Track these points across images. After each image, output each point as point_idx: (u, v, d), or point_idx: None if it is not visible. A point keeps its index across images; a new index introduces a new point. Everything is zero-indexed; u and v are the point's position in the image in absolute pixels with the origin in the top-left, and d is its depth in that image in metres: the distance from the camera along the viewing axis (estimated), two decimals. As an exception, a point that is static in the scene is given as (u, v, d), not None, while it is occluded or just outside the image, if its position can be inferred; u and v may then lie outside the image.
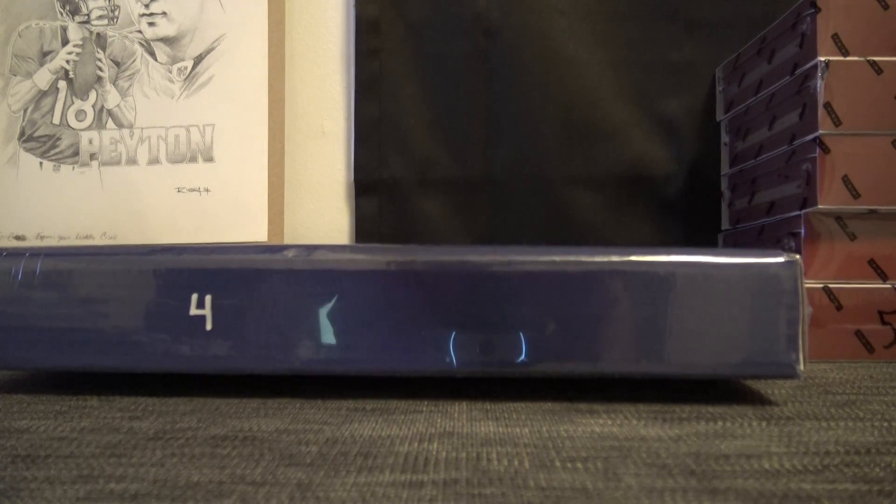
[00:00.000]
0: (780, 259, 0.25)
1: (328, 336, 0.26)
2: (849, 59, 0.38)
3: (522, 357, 0.25)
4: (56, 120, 0.57)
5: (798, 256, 0.25)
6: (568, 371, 0.26)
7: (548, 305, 0.25)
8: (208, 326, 0.26)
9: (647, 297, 0.25)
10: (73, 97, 0.58)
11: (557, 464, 0.19)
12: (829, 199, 0.38)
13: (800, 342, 0.25)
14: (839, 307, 0.38)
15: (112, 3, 0.58)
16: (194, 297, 0.27)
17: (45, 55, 0.58)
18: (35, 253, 0.28)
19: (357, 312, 0.26)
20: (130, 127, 0.57)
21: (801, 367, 0.25)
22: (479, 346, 0.26)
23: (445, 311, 0.26)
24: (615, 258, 0.25)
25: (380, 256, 0.26)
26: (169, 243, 0.29)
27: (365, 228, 0.58)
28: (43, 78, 0.58)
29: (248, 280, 0.26)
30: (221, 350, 0.26)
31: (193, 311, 0.26)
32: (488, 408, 0.26)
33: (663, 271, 0.25)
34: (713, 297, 0.25)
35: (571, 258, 0.26)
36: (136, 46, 0.58)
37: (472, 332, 0.26)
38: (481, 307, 0.26)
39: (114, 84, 0.57)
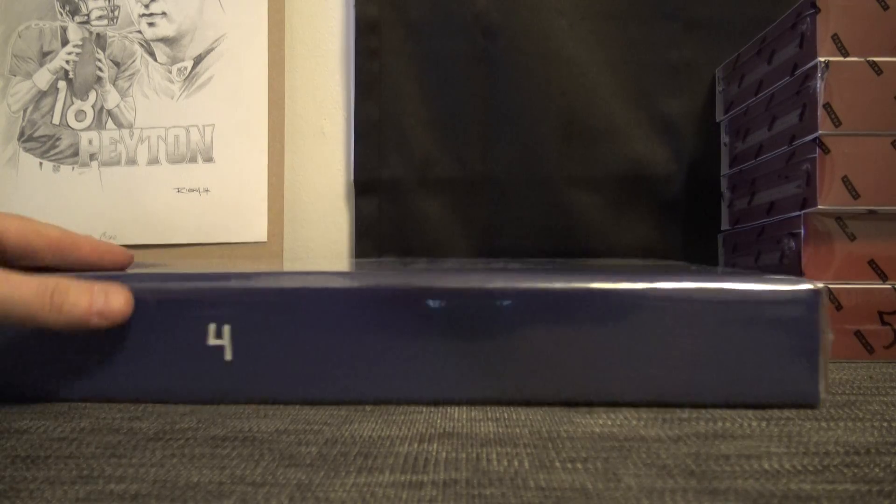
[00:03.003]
0: (803, 287, 0.25)
1: (353, 363, 0.25)
2: (849, 59, 0.38)
3: (525, 382, 0.25)
4: (56, 120, 0.57)
5: (821, 285, 0.25)
6: (581, 399, 0.25)
7: (559, 331, 0.25)
8: (228, 357, 0.26)
9: (666, 324, 0.25)
10: (73, 97, 0.58)
11: (557, 464, 0.19)
12: (829, 200, 0.38)
13: (821, 370, 0.25)
14: (839, 307, 0.38)
15: (112, 3, 0.58)
16: (212, 326, 0.26)
17: (44, 55, 0.58)
18: None
19: (378, 340, 0.25)
20: (130, 127, 0.57)
21: (823, 395, 0.25)
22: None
23: (455, 338, 0.25)
24: (641, 285, 0.25)
25: (379, 281, 0.25)
26: (186, 272, 0.28)
27: (364, 228, 0.58)
28: (43, 78, 0.58)
29: (269, 307, 0.26)
30: (243, 380, 0.26)
31: (212, 340, 0.26)
32: (488, 408, 0.26)
33: (681, 297, 0.25)
34: (733, 323, 0.25)
35: (585, 285, 0.25)
36: (136, 47, 0.58)
37: (482, 361, 0.25)
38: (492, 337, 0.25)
39: (113, 84, 0.57)
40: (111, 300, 0.25)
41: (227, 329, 0.25)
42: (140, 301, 0.26)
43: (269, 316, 0.25)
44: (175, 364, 0.26)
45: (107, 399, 0.26)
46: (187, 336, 0.26)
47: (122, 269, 0.29)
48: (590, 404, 0.25)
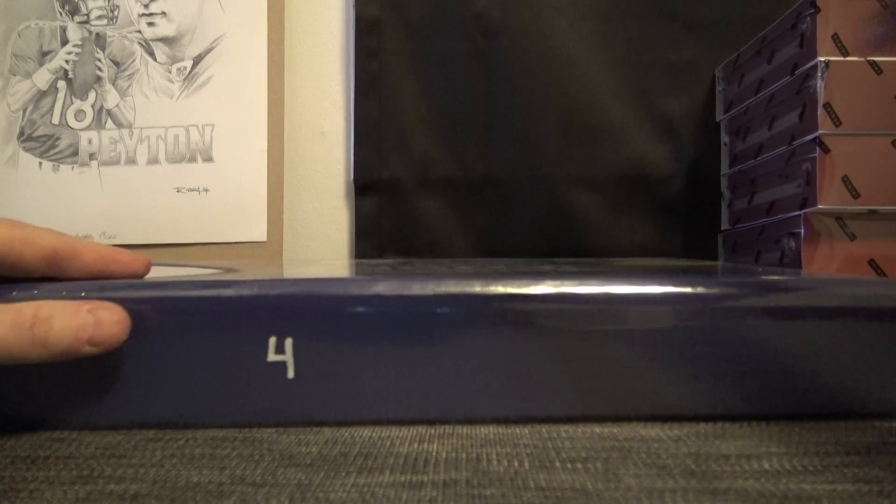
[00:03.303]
0: None
1: (427, 382, 0.23)
2: (849, 59, 0.38)
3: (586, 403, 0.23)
4: (55, 120, 0.57)
5: None
6: (717, 413, 0.23)
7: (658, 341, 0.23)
8: (290, 374, 0.23)
9: (773, 328, 0.23)
10: (73, 97, 0.57)
11: (557, 464, 0.19)
12: (829, 199, 0.38)
13: None
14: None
15: (111, 3, 0.58)
16: (272, 340, 0.23)
17: (44, 55, 0.58)
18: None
19: (448, 354, 0.23)
20: (130, 127, 0.57)
21: None
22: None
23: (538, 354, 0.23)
24: (747, 288, 0.23)
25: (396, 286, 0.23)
26: (241, 278, 0.24)
27: (365, 228, 0.58)
28: (42, 78, 0.58)
29: (338, 316, 0.23)
30: (307, 400, 0.23)
31: (272, 356, 0.23)
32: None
33: (805, 293, 0.23)
34: (845, 327, 0.23)
35: (700, 290, 0.23)
36: (136, 46, 0.58)
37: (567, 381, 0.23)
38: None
39: (113, 84, 0.57)
40: (103, 323, 0.21)
41: (289, 342, 0.23)
42: (185, 312, 0.22)
43: (338, 326, 0.23)
44: (230, 384, 0.23)
45: (151, 426, 0.23)
46: (244, 352, 0.23)
47: (138, 277, 0.25)
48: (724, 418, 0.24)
